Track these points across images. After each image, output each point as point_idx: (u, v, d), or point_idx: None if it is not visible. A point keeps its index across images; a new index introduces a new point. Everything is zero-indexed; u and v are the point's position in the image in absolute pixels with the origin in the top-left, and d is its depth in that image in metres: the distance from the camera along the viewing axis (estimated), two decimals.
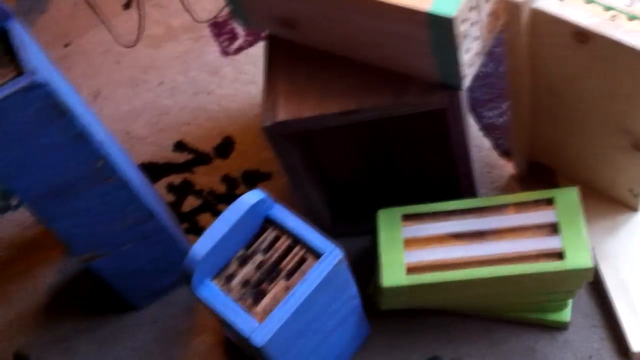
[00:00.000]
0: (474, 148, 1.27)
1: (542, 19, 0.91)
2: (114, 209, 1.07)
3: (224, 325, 1.08)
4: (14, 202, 1.43)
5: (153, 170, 1.40)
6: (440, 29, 0.87)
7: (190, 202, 1.36)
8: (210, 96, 1.47)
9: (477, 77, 1.34)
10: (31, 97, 0.88)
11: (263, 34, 1.49)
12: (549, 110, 1.05)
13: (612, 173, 1.07)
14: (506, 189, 1.22)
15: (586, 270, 0.96)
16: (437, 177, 1.18)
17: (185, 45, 1.56)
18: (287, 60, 1.06)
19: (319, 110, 0.99)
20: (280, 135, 1.02)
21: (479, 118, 1.31)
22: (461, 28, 0.88)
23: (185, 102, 1.48)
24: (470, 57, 0.94)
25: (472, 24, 0.91)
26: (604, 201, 1.12)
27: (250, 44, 1.52)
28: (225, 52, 1.53)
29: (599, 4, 0.92)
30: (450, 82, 0.95)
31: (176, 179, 1.39)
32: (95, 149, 0.98)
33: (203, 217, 1.33)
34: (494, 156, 1.26)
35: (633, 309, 1.05)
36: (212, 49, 1.53)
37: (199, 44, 1.55)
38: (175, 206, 1.36)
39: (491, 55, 1.35)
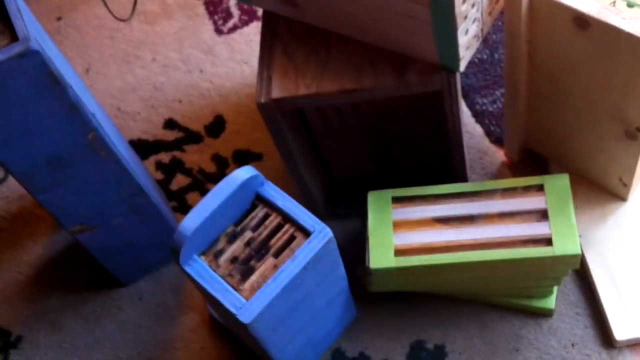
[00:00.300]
0: (466, 134, 1.27)
1: (542, 3, 0.91)
2: (104, 182, 1.06)
3: (210, 302, 1.08)
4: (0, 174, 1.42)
5: (143, 147, 1.39)
6: (441, 8, 0.87)
7: (180, 181, 1.35)
8: (203, 74, 1.46)
9: (471, 64, 1.34)
10: (25, 64, 0.87)
11: (259, 13, 1.48)
12: (544, 98, 1.05)
13: (603, 162, 1.08)
14: (497, 176, 1.22)
15: (573, 257, 0.97)
16: (429, 161, 1.18)
17: (179, 22, 1.55)
18: (284, 37, 1.05)
19: (316, 89, 0.98)
20: (275, 113, 1.01)
21: (472, 105, 1.31)
22: (462, 8, 0.88)
23: (177, 79, 1.47)
24: (468, 39, 0.94)
25: (472, 5, 0.91)
26: (594, 190, 1.13)
27: (244, 23, 1.51)
28: (219, 31, 1.51)
29: None
30: (447, 64, 0.95)
31: (166, 156, 1.38)
32: (87, 120, 0.97)
33: (192, 196, 1.33)
34: (486, 143, 1.26)
35: (618, 297, 1.05)
36: (206, 27, 1.52)
37: (193, 21, 1.54)
38: (164, 184, 1.35)
39: (486, 42, 1.35)
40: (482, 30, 0.97)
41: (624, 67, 0.89)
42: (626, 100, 0.93)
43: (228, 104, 1.42)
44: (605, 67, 0.91)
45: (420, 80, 0.97)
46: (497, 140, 1.26)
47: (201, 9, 1.55)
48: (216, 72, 1.46)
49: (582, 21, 0.88)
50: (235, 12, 1.53)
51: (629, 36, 0.85)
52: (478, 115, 1.29)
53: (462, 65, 0.95)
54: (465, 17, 0.90)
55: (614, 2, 0.89)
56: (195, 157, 1.37)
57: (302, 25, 1.04)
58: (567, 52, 0.94)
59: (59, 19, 1.62)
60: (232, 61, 1.46)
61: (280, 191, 0.99)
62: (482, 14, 0.95)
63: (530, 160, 1.20)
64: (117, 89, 1.47)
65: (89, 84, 1.49)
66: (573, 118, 1.05)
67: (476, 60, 1.34)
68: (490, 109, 1.29)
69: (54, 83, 0.90)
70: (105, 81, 1.49)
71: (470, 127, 1.28)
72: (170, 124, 1.41)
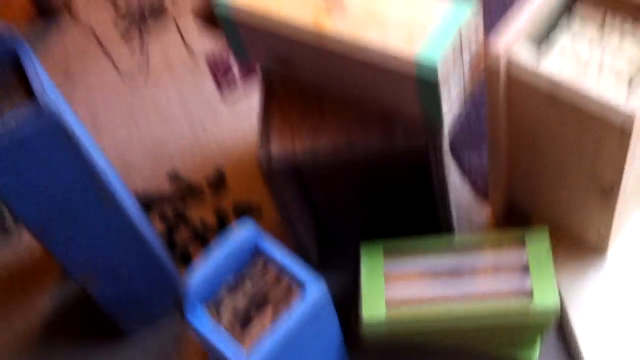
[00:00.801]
0: (454, 187, 1.33)
1: (518, 70, 0.98)
2: (110, 233, 1.12)
3: (211, 352, 1.13)
4: (9, 226, 1.47)
5: (147, 200, 1.45)
6: (425, 75, 0.94)
7: (182, 233, 1.41)
8: (204, 129, 1.53)
9: (459, 121, 1.40)
10: (42, 125, 0.93)
11: (258, 71, 1.56)
12: (524, 158, 1.12)
13: (582, 217, 1.14)
14: (483, 229, 1.28)
15: (552, 311, 1.02)
16: (419, 213, 1.24)
17: (183, 78, 1.63)
18: (281, 95, 1.12)
19: (311, 147, 1.05)
20: (274, 172, 1.08)
21: (459, 160, 1.37)
22: (445, 75, 0.95)
23: (180, 134, 1.54)
24: (452, 101, 1.01)
25: (455, 71, 0.98)
26: (574, 243, 1.19)
27: (245, 80, 1.59)
28: (221, 88, 1.59)
29: (572, 55, 0.99)
30: (433, 125, 1.02)
31: (169, 209, 1.44)
32: (96, 175, 1.04)
33: (194, 248, 1.38)
34: (472, 197, 1.33)
35: (599, 348, 1.10)
36: (208, 83, 1.60)
37: (196, 78, 1.62)
38: (167, 236, 1.41)
39: (473, 100, 1.42)
40: (465, 91, 1.04)
41: (594, 130, 0.96)
42: (598, 161, 1.00)
43: (229, 159, 1.48)
44: (576, 132, 0.98)
45: (407, 139, 1.04)
46: (484, 195, 1.32)
47: (204, 66, 1.63)
48: (217, 126, 1.53)
49: (554, 86, 0.95)
50: (236, 69, 1.61)
51: (597, 101, 0.92)
52: (465, 170, 1.36)
53: (446, 125, 1.02)
54: (449, 84, 0.97)
55: (586, 68, 0.96)
56: (197, 209, 1.43)
57: (298, 83, 1.11)
58: (543, 115, 1.01)
59: (67, 72, 1.70)
60: (232, 117, 1.53)
61: (278, 244, 1.05)
62: (464, 78, 1.02)
63: (515, 214, 1.26)
64: (122, 142, 1.54)
65: (96, 137, 1.56)
66: (552, 177, 1.11)
67: (463, 117, 1.41)
68: (477, 164, 1.36)
69: (69, 142, 0.97)
70: (111, 134, 1.56)
71: (458, 180, 1.35)
72: (173, 177, 1.48)
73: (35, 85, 0.94)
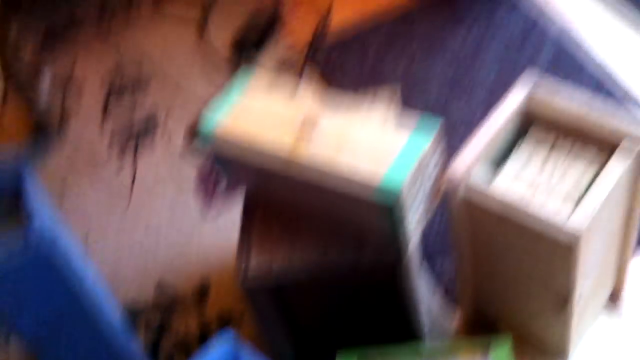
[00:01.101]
0: (424, 298, 1.40)
1: (473, 192, 1.08)
2: (95, 345, 1.18)
3: None
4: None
5: (133, 310, 1.51)
6: (388, 200, 1.03)
7: (166, 342, 1.46)
8: (191, 242, 1.62)
9: (430, 228, 1.49)
10: (38, 252, 1.01)
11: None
12: (487, 267, 1.21)
13: (542, 325, 1.21)
14: (453, 335, 1.34)
15: None
16: (392, 323, 1.31)
17: (172, 192, 1.72)
18: (261, 214, 1.21)
19: (287, 264, 1.14)
20: (252, 286, 1.16)
21: (431, 267, 1.45)
22: (406, 200, 1.04)
23: (168, 246, 1.62)
24: (415, 221, 1.10)
25: (415, 196, 1.07)
26: (537, 350, 1.25)
27: (230, 194, 1.68)
28: (207, 201, 1.69)
29: (523, 180, 1.09)
30: (399, 243, 1.10)
31: (154, 318, 1.50)
32: (86, 292, 1.11)
33: (178, 358, 1.44)
34: (443, 303, 1.40)
35: None
36: (196, 197, 1.70)
37: (184, 191, 1.72)
38: (152, 345, 1.46)
39: (444, 207, 1.51)
40: (427, 211, 1.13)
41: (545, 248, 1.05)
42: (550, 275, 1.08)
43: (213, 269, 1.56)
44: (528, 248, 1.07)
45: (377, 255, 1.13)
46: (454, 301, 1.39)
47: (192, 181, 1.73)
48: (203, 239, 1.61)
49: (507, 208, 1.05)
50: (222, 185, 1.71)
51: (545, 222, 1.01)
52: (437, 276, 1.44)
53: (412, 244, 1.11)
54: (412, 206, 1.07)
55: (535, 191, 1.06)
56: (182, 319, 1.49)
57: (276, 202, 1.21)
58: (499, 233, 1.10)
59: (61, 186, 1.79)
60: (218, 230, 1.62)
61: (257, 355, 1.11)
62: (426, 199, 1.11)
63: (484, 319, 1.33)
64: (112, 253, 1.62)
65: (88, 248, 1.64)
66: (511, 287, 1.19)
67: (434, 224, 1.49)
68: (448, 271, 1.44)
69: (64, 266, 1.05)
70: (102, 246, 1.64)
71: (429, 288, 1.42)
72: (159, 287, 1.55)
73: (30, 209, 1.02)
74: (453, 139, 1.60)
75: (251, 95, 1.16)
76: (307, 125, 1.10)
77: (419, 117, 1.09)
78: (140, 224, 1.67)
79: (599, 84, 1.68)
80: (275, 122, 1.12)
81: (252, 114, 1.13)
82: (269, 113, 1.13)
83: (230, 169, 1.21)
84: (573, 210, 1.04)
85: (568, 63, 1.75)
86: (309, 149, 1.08)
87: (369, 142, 1.07)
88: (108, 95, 1.97)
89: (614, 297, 1.31)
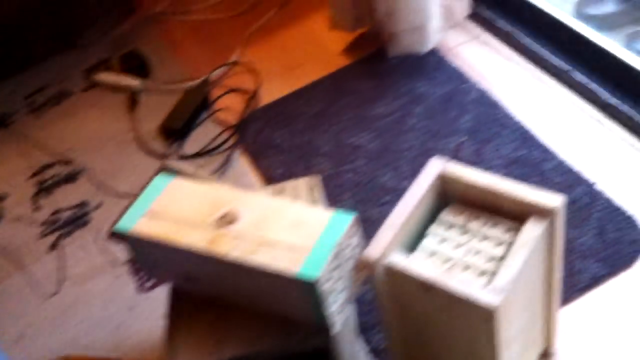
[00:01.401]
0: None
1: (394, 271, 1.10)
2: None
3: None
4: None
5: None
6: (308, 288, 1.05)
7: None
8: (127, 331, 1.60)
9: (366, 302, 1.50)
10: None
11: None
12: (415, 341, 1.22)
13: None
14: None
15: None
16: None
17: (106, 282, 1.71)
18: (188, 310, 1.21)
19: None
20: None
21: (369, 341, 1.46)
22: (326, 285, 1.06)
23: (104, 337, 1.60)
24: (338, 305, 1.11)
25: (336, 280, 1.09)
26: None
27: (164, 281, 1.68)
28: (141, 288, 1.67)
29: (439, 256, 1.12)
30: (325, 327, 1.11)
31: None
32: None
33: None
34: None
35: None
36: (130, 285, 1.68)
37: (118, 280, 1.70)
38: None
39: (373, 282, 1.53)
40: (350, 295, 1.15)
41: (465, 326, 1.07)
42: (473, 348, 1.10)
43: (150, 356, 1.54)
44: (450, 321, 1.09)
45: (307, 340, 1.13)
46: None
47: (125, 269, 1.72)
48: (139, 328, 1.60)
49: (425, 286, 1.07)
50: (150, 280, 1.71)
51: (462, 298, 1.03)
52: (374, 351, 1.44)
53: (338, 327, 1.12)
54: (333, 290, 1.08)
55: (452, 267, 1.09)
56: None
57: (203, 296, 1.21)
58: (421, 311, 1.12)
59: None
60: (153, 318, 1.61)
61: None
62: (347, 283, 1.13)
63: None
64: (48, 353, 1.59)
65: (21, 351, 1.60)
66: (440, 359, 1.21)
67: (369, 299, 1.51)
68: (384, 345, 1.44)
69: None
70: (37, 346, 1.61)
71: None
72: None
73: None
74: (381, 211, 1.64)
75: (170, 193, 1.18)
76: (226, 220, 1.12)
77: (338, 204, 1.13)
78: (77, 318, 1.65)
79: (519, 144, 1.74)
80: (194, 219, 1.13)
81: (170, 211, 1.15)
82: (188, 209, 1.15)
83: (152, 266, 1.21)
84: (489, 282, 1.07)
85: (488, 126, 1.81)
86: (227, 244, 1.09)
87: (288, 230, 1.10)
88: (37, 193, 1.98)
89: (546, 355, 1.34)
